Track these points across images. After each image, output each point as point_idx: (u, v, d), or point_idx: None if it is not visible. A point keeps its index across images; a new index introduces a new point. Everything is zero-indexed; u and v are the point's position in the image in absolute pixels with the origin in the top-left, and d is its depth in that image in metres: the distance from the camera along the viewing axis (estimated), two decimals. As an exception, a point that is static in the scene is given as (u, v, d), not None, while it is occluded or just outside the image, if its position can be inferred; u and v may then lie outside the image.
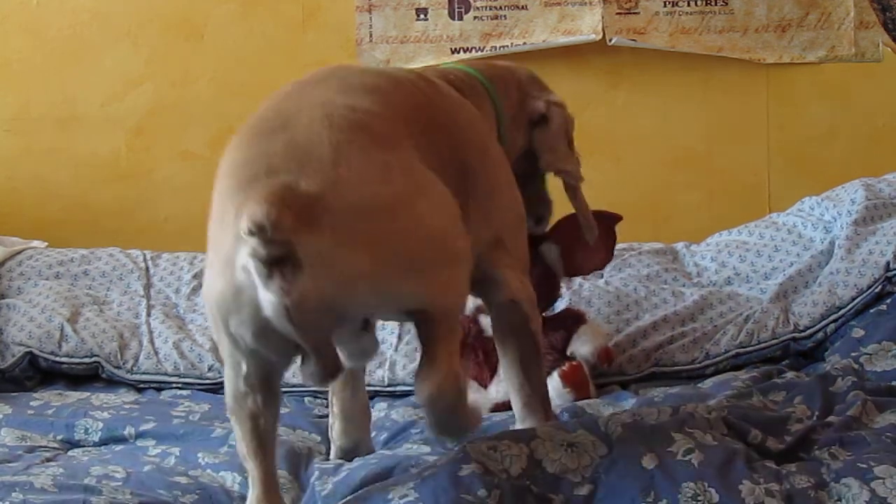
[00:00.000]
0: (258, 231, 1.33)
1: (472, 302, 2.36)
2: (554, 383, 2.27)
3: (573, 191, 2.06)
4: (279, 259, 1.35)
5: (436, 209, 1.52)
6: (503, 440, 1.70)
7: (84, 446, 2.17)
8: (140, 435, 2.18)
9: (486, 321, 2.35)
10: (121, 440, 2.17)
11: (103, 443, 2.17)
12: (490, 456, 1.65)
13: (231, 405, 1.59)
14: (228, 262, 1.41)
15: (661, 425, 1.70)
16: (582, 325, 2.41)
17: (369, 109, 1.57)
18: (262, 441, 1.60)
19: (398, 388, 2.49)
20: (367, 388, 2.48)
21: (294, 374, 2.24)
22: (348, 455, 2.00)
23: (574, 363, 2.31)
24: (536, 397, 1.88)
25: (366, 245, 1.41)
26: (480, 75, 2.01)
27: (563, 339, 2.37)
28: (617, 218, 2.32)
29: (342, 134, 1.48)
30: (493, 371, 2.33)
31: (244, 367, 1.54)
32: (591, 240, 2.09)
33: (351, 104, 1.56)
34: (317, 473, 1.87)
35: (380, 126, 1.55)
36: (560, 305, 2.55)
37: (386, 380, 2.52)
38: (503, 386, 2.31)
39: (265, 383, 1.57)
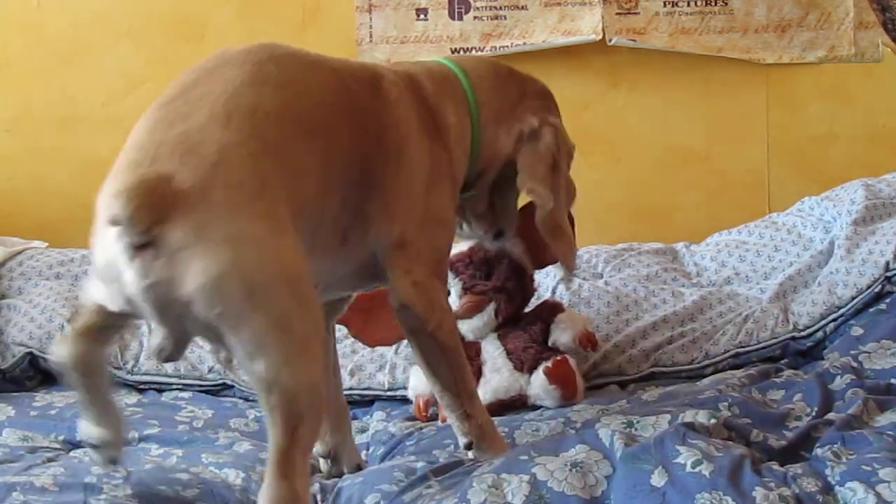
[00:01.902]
0: (118, 222, 1.42)
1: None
2: (540, 380, 2.28)
3: (542, 215, 1.96)
4: (142, 244, 1.43)
5: (280, 258, 1.49)
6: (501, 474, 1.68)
7: (86, 447, 2.16)
8: (143, 439, 2.17)
9: (464, 326, 2.35)
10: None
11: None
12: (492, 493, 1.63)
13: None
14: (102, 236, 1.49)
15: (663, 438, 1.69)
16: (559, 313, 2.40)
17: (269, 112, 1.59)
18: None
19: (398, 393, 2.48)
20: (367, 392, 2.50)
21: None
22: (331, 460, 2.00)
23: (558, 358, 2.31)
24: (449, 395, 1.88)
25: (214, 254, 1.43)
26: (461, 72, 1.98)
27: (542, 331, 2.37)
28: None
29: (234, 136, 1.53)
30: (479, 374, 2.33)
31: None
32: (570, 270, 2.05)
33: (254, 104, 1.59)
34: (316, 486, 1.86)
35: (274, 134, 1.58)
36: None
37: (386, 384, 2.51)
38: (491, 385, 2.31)
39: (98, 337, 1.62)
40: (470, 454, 1.90)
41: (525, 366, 2.30)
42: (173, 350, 1.52)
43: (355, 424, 2.33)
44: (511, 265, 2.35)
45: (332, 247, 1.74)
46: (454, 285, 2.36)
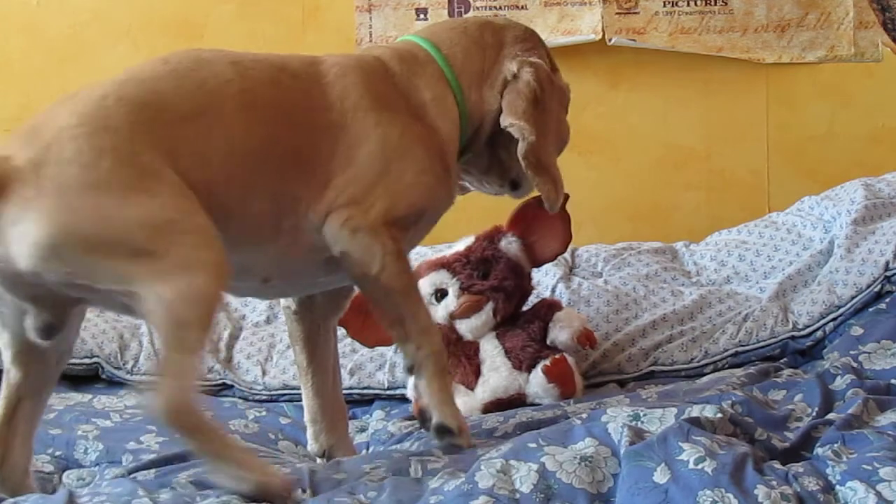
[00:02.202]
0: None
1: (444, 310, 2.36)
2: (538, 379, 2.28)
3: (522, 148, 1.91)
4: None
5: (131, 204, 1.57)
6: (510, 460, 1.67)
7: (81, 467, 2.08)
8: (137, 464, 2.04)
9: (462, 326, 2.36)
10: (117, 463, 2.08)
11: (98, 463, 2.09)
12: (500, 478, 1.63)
13: None
14: None
15: (667, 435, 1.69)
16: (556, 312, 2.40)
17: (124, 98, 1.66)
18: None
19: (398, 392, 2.48)
20: (367, 391, 2.50)
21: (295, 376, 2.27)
22: (326, 459, 1.99)
23: (557, 357, 2.31)
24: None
25: (42, 223, 1.52)
26: (432, 47, 1.97)
27: (541, 329, 2.36)
28: (566, 196, 2.32)
29: (74, 119, 1.61)
30: (477, 373, 2.33)
31: None
32: (551, 209, 2.00)
33: (108, 93, 1.67)
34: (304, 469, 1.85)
35: (129, 119, 1.64)
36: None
37: (385, 383, 2.51)
38: (489, 384, 2.31)
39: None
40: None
41: (524, 364, 2.30)
42: (51, 322, 1.62)
43: (354, 424, 2.33)
44: (508, 264, 2.36)
45: (263, 236, 1.76)
46: (452, 285, 2.36)
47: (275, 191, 1.74)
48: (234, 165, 1.70)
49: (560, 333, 2.36)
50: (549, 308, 2.41)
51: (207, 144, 1.68)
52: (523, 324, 2.37)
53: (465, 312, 2.35)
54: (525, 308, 2.44)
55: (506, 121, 1.93)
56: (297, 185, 1.77)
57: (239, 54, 1.83)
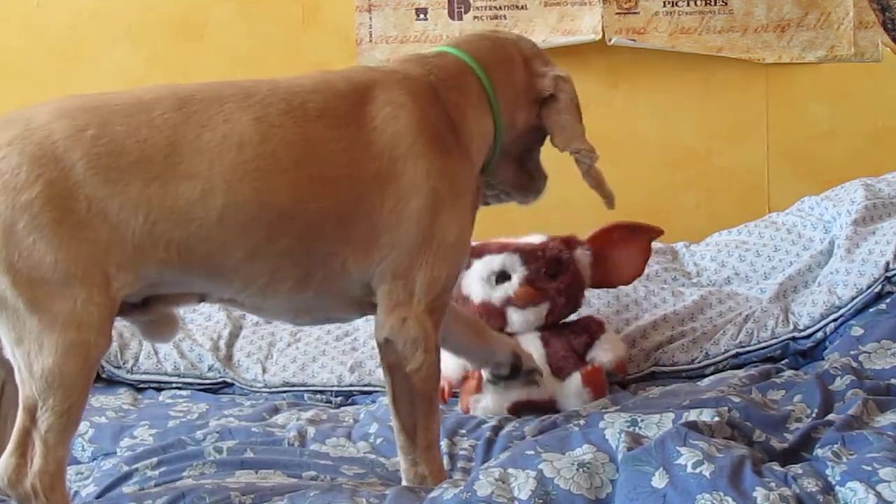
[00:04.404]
0: None
1: (502, 293, 2.34)
2: (574, 382, 2.27)
3: (586, 167, 1.95)
4: None
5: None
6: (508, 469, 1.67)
7: (79, 463, 2.11)
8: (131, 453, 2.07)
9: (514, 315, 2.33)
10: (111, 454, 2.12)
11: (95, 457, 2.12)
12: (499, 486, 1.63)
13: None
14: None
15: (664, 440, 1.69)
16: (603, 333, 2.39)
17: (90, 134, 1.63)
18: None
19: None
20: (367, 388, 2.51)
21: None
22: None
23: (595, 366, 2.31)
24: (406, 437, 1.79)
25: None
26: (476, 64, 1.90)
27: (586, 344, 2.35)
28: (657, 232, 2.31)
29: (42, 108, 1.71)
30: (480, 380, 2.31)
31: None
32: (609, 206, 2.00)
33: (83, 125, 1.65)
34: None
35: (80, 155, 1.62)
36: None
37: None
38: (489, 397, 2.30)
39: None
40: None
41: (563, 372, 2.29)
42: None
43: (354, 409, 2.34)
44: (576, 273, 2.33)
45: (283, 289, 1.72)
46: (518, 272, 2.32)
47: (302, 251, 1.69)
48: (232, 230, 1.64)
49: (603, 354, 2.35)
50: (598, 326, 2.40)
51: (192, 207, 1.62)
52: (569, 333, 2.35)
53: (525, 301, 2.32)
54: (569, 320, 2.42)
55: (569, 146, 1.95)
56: (334, 243, 1.71)
57: (265, 102, 1.68)
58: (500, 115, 1.91)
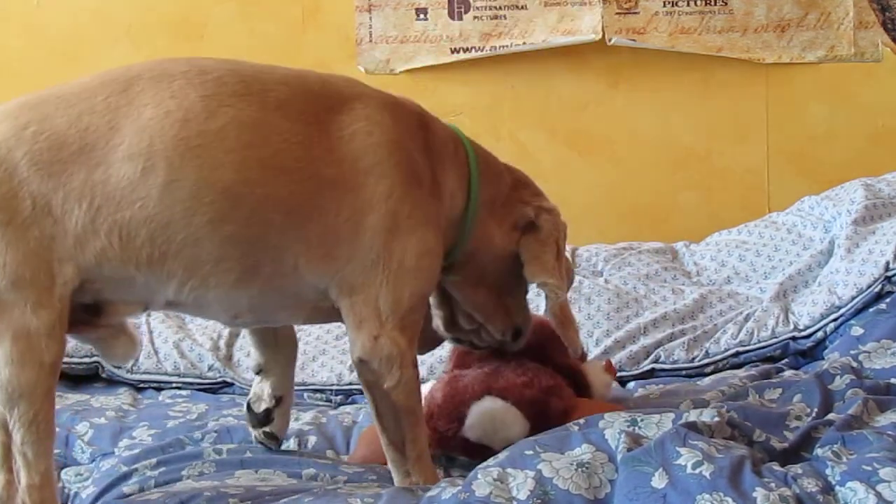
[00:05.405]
0: None
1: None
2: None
3: (552, 303, 1.87)
4: None
5: None
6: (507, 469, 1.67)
7: (79, 464, 2.10)
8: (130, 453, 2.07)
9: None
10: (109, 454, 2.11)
11: (94, 458, 2.11)
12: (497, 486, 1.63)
13: None
14: None
15: (664, 440, 1.69)
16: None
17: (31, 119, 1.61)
18: None
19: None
20: (350, 388, 2.49)
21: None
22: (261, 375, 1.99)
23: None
24: (394, 450, 1.78)
25: None
26: (467, 142, 1.88)
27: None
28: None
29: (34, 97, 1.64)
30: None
31: None
32: (575, 355, 1.95)
33: (26, 122, 1.61)
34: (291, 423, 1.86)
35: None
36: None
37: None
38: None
39: None
40: None
41: None
42: None
43: (354, 408, 2.34)
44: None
45: (229, 278, 1.66)
46: None
47: (248, 239, 1.65)
48: (175, 210, 1.60)
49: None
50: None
51: (134, 186, 1.59)
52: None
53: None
54: None
55: (537, 278, 1.87)
56: (283, 237, 1.67)
57: (221, 81, 1.65)
58: (476, 203, 1.84)
